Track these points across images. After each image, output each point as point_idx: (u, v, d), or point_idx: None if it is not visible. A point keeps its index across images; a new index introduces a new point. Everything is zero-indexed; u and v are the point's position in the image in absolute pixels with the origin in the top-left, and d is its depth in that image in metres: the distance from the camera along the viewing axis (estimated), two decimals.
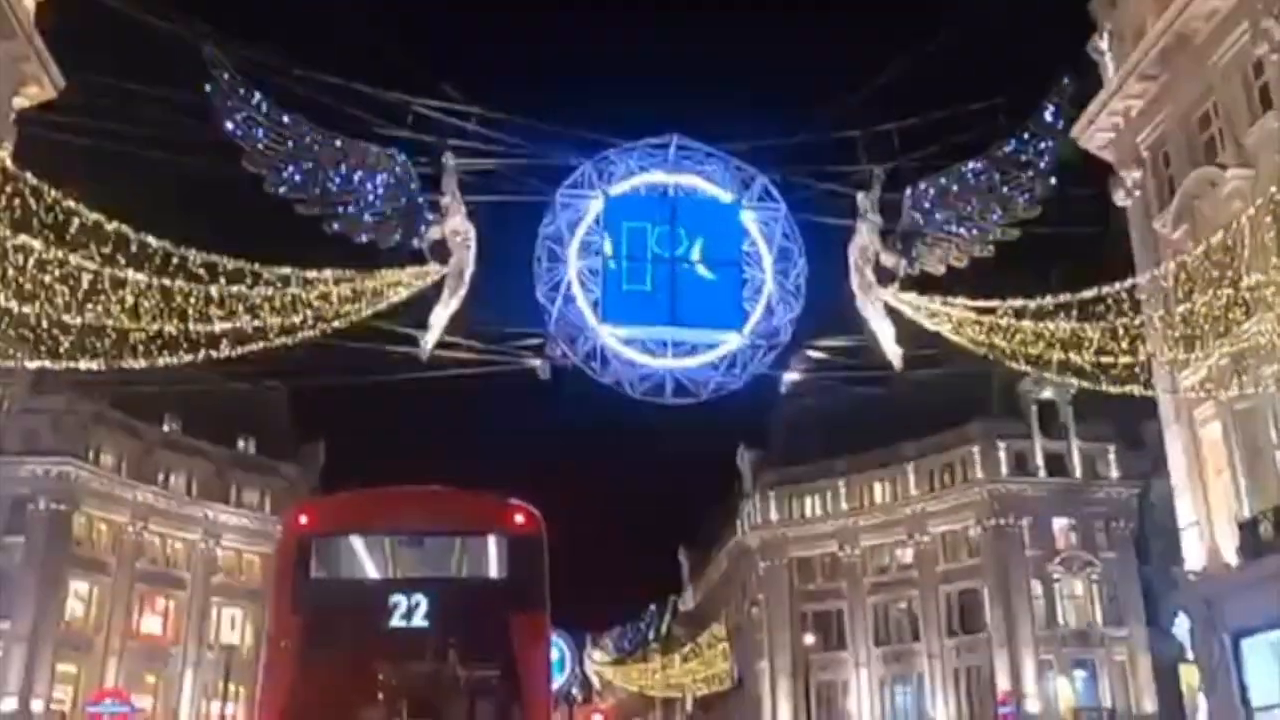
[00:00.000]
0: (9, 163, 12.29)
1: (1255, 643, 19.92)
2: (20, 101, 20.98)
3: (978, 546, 51.42)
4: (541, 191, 16.09)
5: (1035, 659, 47.97)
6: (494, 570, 12.84)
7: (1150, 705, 47.33)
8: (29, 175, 12.17)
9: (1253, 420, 20.38)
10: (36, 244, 12.23)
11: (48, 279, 12.39)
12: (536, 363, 16.36)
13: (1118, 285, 15.73)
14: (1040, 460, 51.16)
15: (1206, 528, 21.35)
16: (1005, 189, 16.16)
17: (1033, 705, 47.13)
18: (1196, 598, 21.35)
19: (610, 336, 15.92)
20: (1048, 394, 49.90)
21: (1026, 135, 16.04)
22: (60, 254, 12.36)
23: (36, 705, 43.73)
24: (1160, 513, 38.34)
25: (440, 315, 15.51)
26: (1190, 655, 22.67)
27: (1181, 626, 21.92)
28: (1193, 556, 21.69)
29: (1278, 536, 19.23)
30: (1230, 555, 20.54)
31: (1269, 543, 19.38)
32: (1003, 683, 47.96)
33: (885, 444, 53.76)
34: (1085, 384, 16.64)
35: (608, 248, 16.05)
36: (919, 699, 52.24)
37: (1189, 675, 38.56)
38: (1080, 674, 48.80)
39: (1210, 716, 21.81)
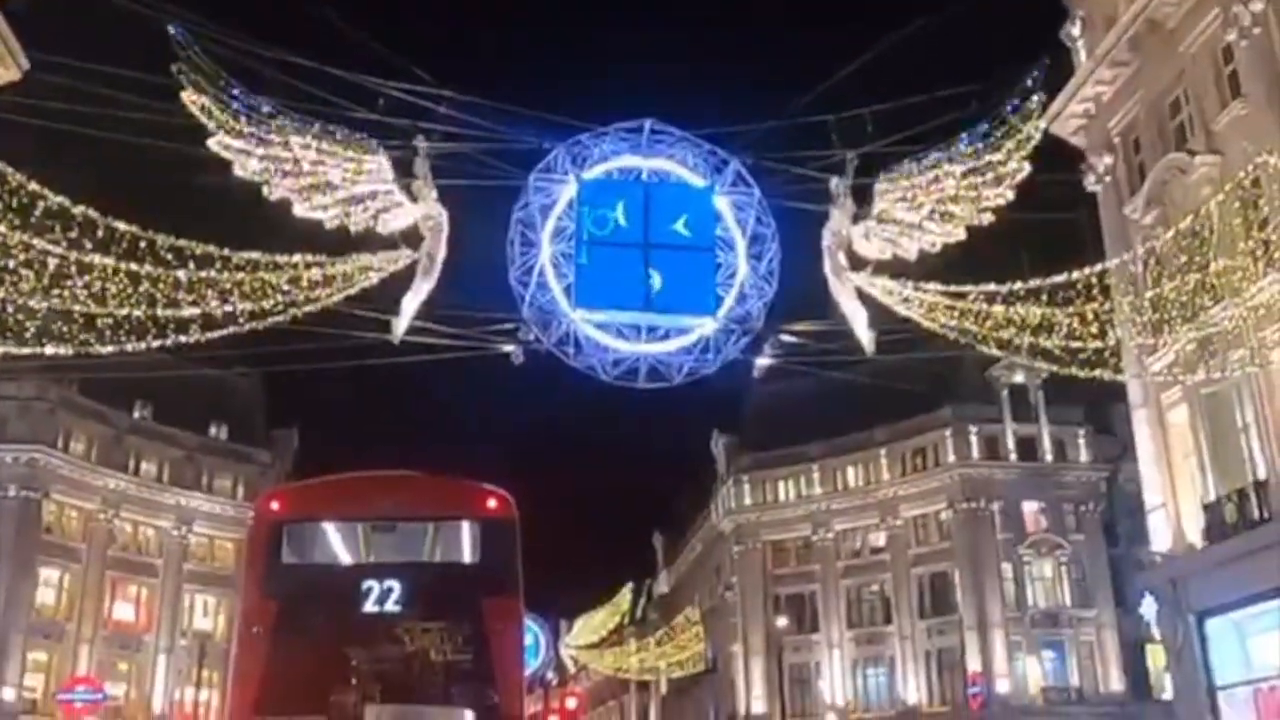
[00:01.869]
0: None
1: (1219, 623, 20.18)
2: None
3: (949, 530, 51.88)
4: (514, 176, 16.01)
5: (1005, 640, 48.52)
6: (467, 555, 12.86)
7: (1117, 685, 48.02)
8: None
9: (1219, 404, 20.61)
10: (1, 228, 12.08)
11: (12, 263, 12.24)
12: (509, 348, 16.28)
13: (1088, 270, 15.85)
14: (1011, 444, 51.65)
15: (1173, 510, 21.59)
16: (978, 174, 16.20)
17: (1002, 686, 47.69)
18: (1162, 579, 21.60)
19: (583, 321, 15.88)
20: (1019, 378, 50.35)
21: (999, 121, 16.09)
22: (25, 238, 12.22)
23: (8, 693, 43.43)
24: (1128, 496, 38.82)
25: (412, 300, 15.41)
26: (1156, 635, 22.95)
27: (1148, 607, 22.14)
28: (1159, 539, 21.94)
29: (1242, 519, 19.48)
30: (1196, 537, 20.80)
31: (1233, 525, 19.63)
32: (973, 664, 48.50)
33: (858, 429, 54.08)
34: (1055, 368, 16.77)
35: (581, 232, 16.00)
36: (890, 680, 52.73)
37: (1155, 655, 39.16)
38: (1049, 654, 49.39)
39: (1175, 695, 22.10)
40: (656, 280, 15.87)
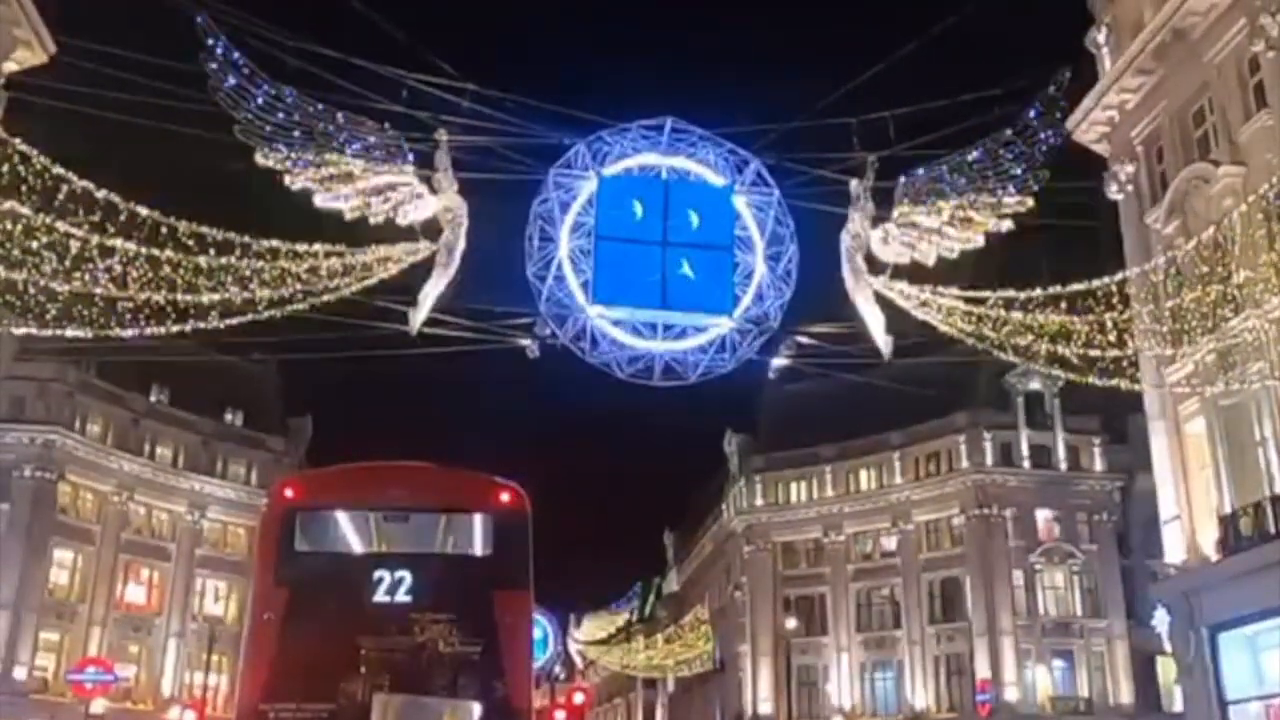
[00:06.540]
0: None
1: (1232, 636, 20.08)
2: (10, 66, 20.81)
3: (961, 535, 51.71)
4: (535, 170, 16.02)
5: (1015, 648, 48.36)
6: (479, 547, 12.87)
7: (1127, 696, 47.81)
8: (18, 141, 12.09)
9: (1237, 416, 20.48)
10: (25, 210, 12.16)
11: (35, 245, 12.33)
12: (526, 342, 16.31)
13: (1108, 279, 15.77)
14: (1025, 451, 51.43)
15: (1187, 522, 21.48)
16: (998, 180, 16.13)
17: (1011, 694, 47.53)
18: (1175, 591, 21.49)
19: (600, 318, 15.89)
20: (1034, 385, 50.21)
21: (1021, 126, 16.02)
22: (48, 220, 12.30)
23: (19, 673, 43.78)
24: (1142, 506, 38.60)
25: (430, 292, 15.45)
26: (1168, 648, 22.83)
27: (1160, 619, 22.04)
28: (1173, 550, 21.82)
29: (1257, 532, 19.37)
30: (1210, 550, 20.68)
31: (1248, 538, 19.53)
32: (982, 671, 48.35)
33: (872, 432, 53.95)
34: (1072, 376, 16.68)
35: (599, 229, 16.01)
36: (899, 685, 52.62)
37: (1166, 667, 38.94)
38: (1059, 664, 49.22)
39: (1186, 708, 21.98)
40: (674, 278, 15.87)
